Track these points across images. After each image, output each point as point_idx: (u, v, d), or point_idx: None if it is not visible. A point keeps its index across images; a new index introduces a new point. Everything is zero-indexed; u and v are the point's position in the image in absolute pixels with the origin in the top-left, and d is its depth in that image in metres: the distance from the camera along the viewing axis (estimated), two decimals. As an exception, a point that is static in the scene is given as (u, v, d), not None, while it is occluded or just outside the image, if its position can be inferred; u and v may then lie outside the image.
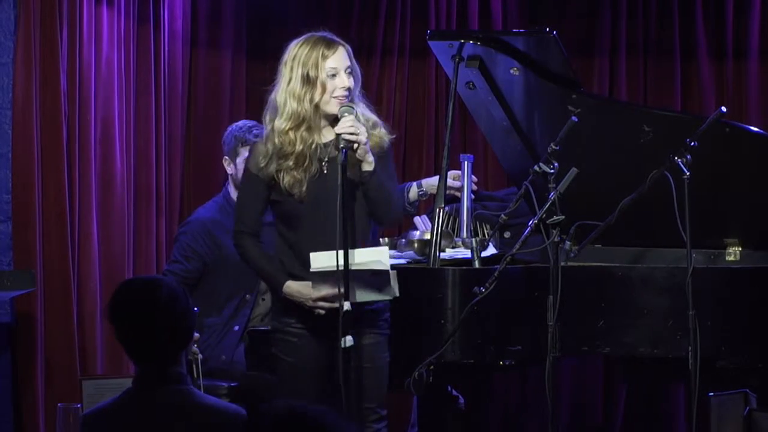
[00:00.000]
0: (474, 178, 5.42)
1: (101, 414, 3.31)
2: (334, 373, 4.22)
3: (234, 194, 5.38)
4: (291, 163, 4.30)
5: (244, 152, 5.28)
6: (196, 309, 3.46)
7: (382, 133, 4.40)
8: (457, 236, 5.20)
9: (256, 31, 6.37)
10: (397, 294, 4.28)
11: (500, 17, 6.39)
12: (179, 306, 3.29)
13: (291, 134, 4.31)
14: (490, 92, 5.05)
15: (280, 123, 4.32)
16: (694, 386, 4.31)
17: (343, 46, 4.37)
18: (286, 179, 4.30)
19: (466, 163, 5.33)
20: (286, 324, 4.39)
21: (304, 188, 4.29)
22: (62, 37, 5.42)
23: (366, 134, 4.26)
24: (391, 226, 4.48)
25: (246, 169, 4.44)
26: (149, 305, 3.27)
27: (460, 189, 5.32)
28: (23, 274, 5.04)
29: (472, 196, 5.36)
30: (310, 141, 4.30)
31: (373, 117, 4.41)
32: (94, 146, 5.59)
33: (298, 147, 4.29)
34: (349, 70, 4.33)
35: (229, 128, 5.45)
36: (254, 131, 5.30)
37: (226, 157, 5.39)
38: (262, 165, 4.33)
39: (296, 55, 4.32)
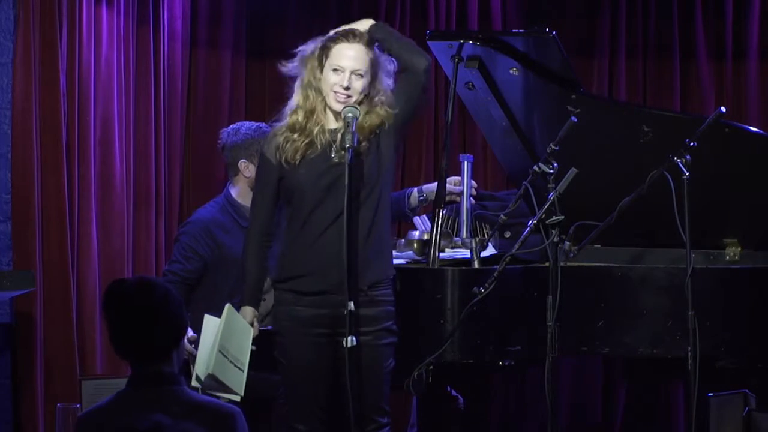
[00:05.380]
0: (473, 183, 5.42)
1: (95, 415, 3.32)
2: (336, 376, 4.27)
3: (236, 195, 5.37)
4: (295, 134, 4.37)
5: None
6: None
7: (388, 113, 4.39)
8: (456, 236, 5.20)
9: (256, 31, 6.36)
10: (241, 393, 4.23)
11: (500, 17, 6.39)
12: (168, 306, 3.30)
13: (297, 114, 4.39)
14: (489, 92, 5.05)
15: (292, 112, 4.43)
16: (693, 386, 4.31)
17: (361, 43, 4.34)
18: (287, 147, 4.37)
19: (465, 163, 5.32)
20: (286, 326, 4.39)
21: (298, 155, 4.34)
22: (62, 38, 5.42)
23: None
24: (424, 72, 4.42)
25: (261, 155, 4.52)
26: (137, 305, 3.29)
27: (460, 191, 5.32)
28: (23, 274, 5.03)
29: (472, 199, 5.37)
30: (315, 117, 4.36)
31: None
32: (94, 146, 5.59)
33: (302, 120, 4.37)
34: (359, 72, 4.32)
35: (242, 131, 5.36)
36: (263, 129, 5.30)
37: (244, 160, 5.33)
38: (271, 141, 4.43)
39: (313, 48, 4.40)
